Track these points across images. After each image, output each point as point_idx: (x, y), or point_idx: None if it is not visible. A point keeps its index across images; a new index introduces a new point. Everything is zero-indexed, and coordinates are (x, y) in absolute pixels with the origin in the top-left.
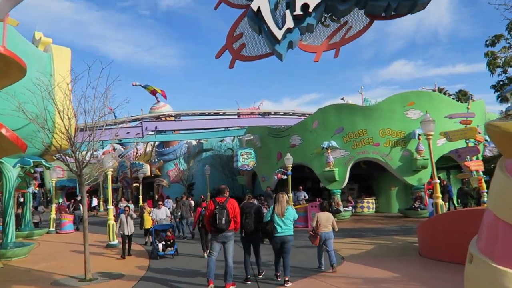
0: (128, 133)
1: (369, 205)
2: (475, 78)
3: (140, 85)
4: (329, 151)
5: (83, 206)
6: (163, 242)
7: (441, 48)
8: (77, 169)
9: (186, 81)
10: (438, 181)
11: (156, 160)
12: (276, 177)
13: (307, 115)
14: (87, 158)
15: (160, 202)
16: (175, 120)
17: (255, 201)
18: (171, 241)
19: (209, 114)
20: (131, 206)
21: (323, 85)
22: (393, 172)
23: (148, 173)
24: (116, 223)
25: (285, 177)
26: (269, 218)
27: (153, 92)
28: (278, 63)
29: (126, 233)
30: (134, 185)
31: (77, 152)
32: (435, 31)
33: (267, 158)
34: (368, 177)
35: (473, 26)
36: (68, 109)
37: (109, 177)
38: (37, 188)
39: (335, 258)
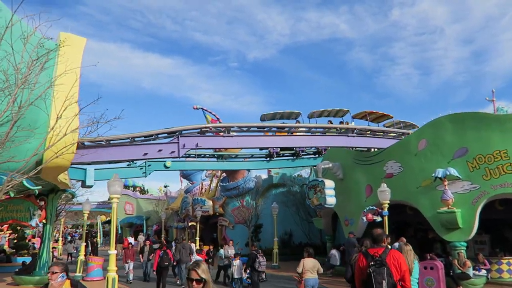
0: (160, 150)
1: (510, 267)
2: None
3: (202, 108)
4: (445, 183)
5: None
6: None
7: None
8: None
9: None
10: None
11: (221, 196)
12: (365, 218)
13: (410, 133)
14: None
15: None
16: (223, 136)
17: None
18: None
19: (270, 129)
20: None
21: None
22: None
23: (211, 211)
24: None
25: (378, 219)
26: None
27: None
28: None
29: None
30: (190, 224)
31: None
32: None
33: (353, 194)
34: (503, 225)
35: None
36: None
37: (114, 206)
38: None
39: None
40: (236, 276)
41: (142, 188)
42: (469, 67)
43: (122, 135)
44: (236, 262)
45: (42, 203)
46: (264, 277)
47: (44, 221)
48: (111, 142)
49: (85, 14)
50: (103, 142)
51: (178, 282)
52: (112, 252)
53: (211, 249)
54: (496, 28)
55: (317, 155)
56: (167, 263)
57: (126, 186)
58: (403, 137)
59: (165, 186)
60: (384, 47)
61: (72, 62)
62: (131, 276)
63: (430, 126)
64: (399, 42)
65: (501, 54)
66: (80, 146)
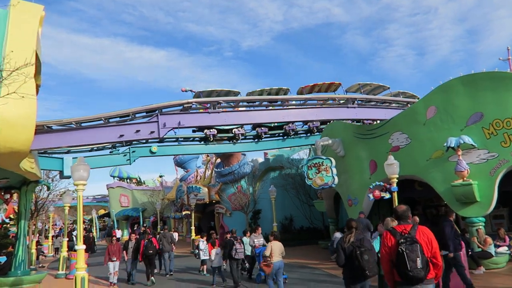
0: (137, 131)
1: None
2: None
3: (191, 90)
4: (459, 153)
5: None
6: None
7: None
8: None
9: None
10: None
11: (216, 182)
12: (371, 195)
13: (417, 99)
14: None
15: None
16: (209, 112)
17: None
18: None
19: (260, 103)
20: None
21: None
22: None
23: (207, 199)
24: None
25: (387, 195)
26: None
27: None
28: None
29: None
30: (185, 213)
31: None
32: None
33: (355, 172)
34: None
35: None
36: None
37: (80, 195)
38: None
39: None
40: (215, 265)
41: (138, 179)
42: (464, 45)
43: (94, 116)
44: (216, 250)
45: (8, 196)
46: (246, 265)
47: (12, 216)
48: (82, 124)
49: (77, 10)
50: (72, 125)
51: (160, 272)
52: (80, 247)
53: (228, 238)
54: (490, 5)
55: (309, 134)
56: (151, 251)
57: (121, 178)
58: (406, 107)
59: (160, 176)
60: (378, 29)
61: (26, 29)
62: (115, 279)
63: (439, 90)
64: (393, 24)
65: (495, 31)
66: (47, 130)
